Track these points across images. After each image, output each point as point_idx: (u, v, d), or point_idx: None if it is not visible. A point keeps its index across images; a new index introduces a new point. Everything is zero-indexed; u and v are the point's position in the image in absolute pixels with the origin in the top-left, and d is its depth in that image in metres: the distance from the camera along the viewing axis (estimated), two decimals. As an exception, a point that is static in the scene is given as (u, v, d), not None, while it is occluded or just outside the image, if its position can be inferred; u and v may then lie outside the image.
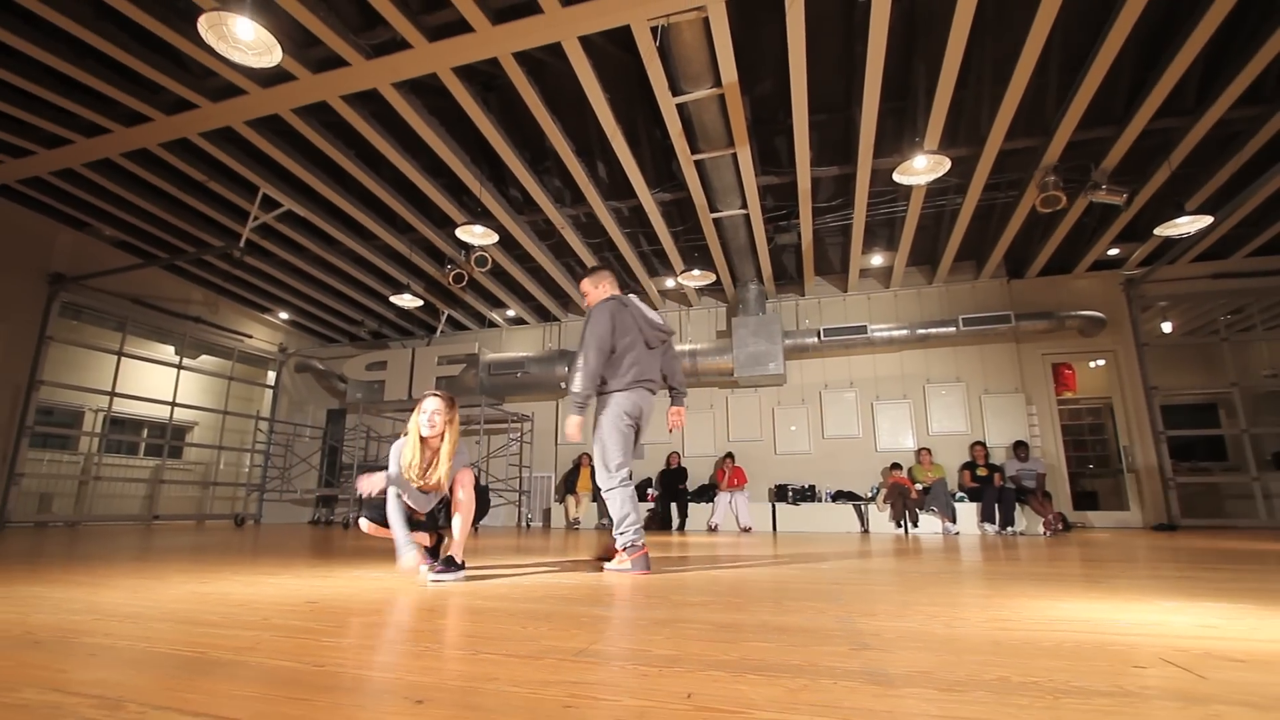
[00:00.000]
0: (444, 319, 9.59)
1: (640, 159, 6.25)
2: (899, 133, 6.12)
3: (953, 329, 8.13)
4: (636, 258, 8.13)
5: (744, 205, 6.83)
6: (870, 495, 7.96)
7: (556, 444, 9.58)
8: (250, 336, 9.33)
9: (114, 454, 8.19)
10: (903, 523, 7.54)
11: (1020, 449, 7.66)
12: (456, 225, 6.38)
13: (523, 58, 4.88)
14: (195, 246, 7.37)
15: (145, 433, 8.65)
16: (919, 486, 7.67)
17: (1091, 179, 6.09)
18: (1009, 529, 7.12)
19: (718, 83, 5.07)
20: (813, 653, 1.29)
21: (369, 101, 5.39)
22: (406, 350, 9.62)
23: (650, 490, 8.59)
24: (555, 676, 1.12)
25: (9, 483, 6.41)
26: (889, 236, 8.12)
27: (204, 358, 9.12)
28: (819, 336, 8.45)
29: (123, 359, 7.64)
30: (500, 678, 1.12)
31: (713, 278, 7.58)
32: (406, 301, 8.02)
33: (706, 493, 8.39)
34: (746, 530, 7.82)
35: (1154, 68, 4.99)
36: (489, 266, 7.29)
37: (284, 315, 9.72)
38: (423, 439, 2.72)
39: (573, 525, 8.46)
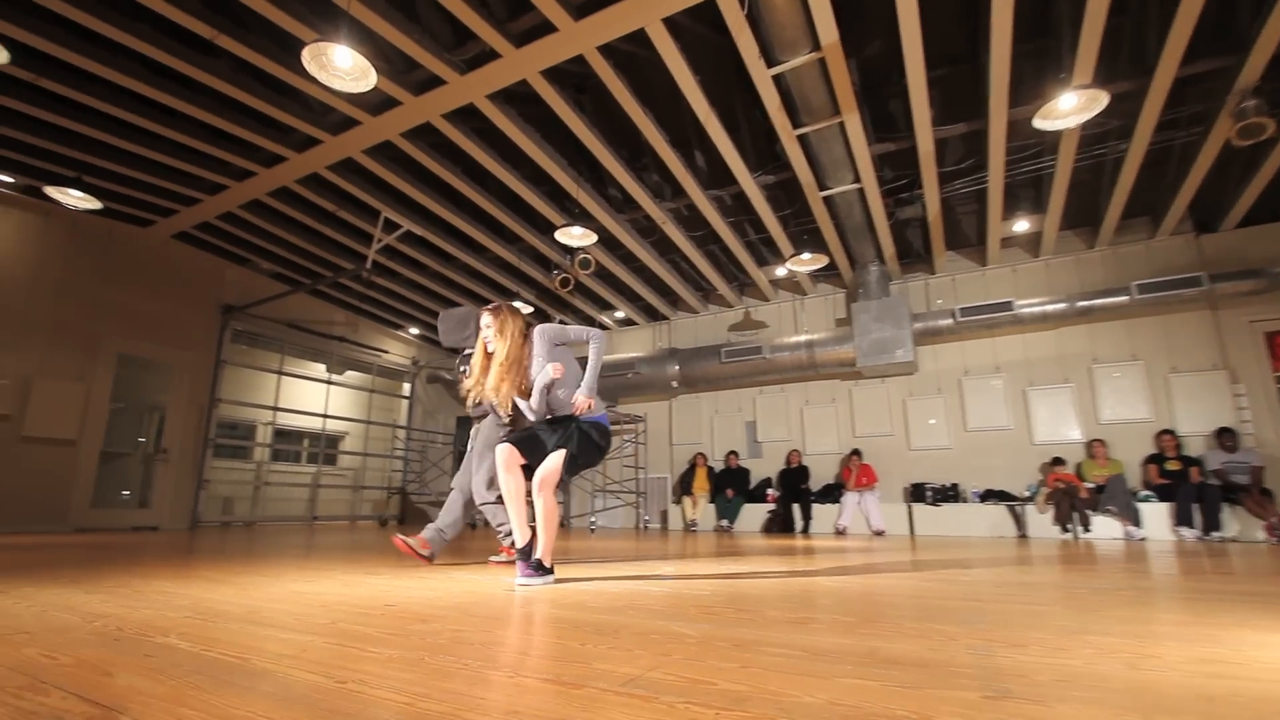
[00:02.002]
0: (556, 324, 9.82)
1: (739, 143, 5.93)
2: (1039, 76, 5.27)
3: (1124, 298, 6.90)
4: (743, 248, 7.77)
5: (857, 179, 6.25)
6: (1028, 495, 6.96)
7: (671, 444, 9.43)
8: (387, 352, 10.16)
9: (281, 462, 9.28)
10: (1070, 527, 6.51)
11: (1226, 437, 6.31)
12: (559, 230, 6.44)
13: (610, 52, 4.78)
14: (332, 271, 8.13)
15: (306, 443, 9.71)
16: (1089, 485, 6.58)
17: (1311, 96, 4.85)
18: (1214, 534, 5.87)
19: (816, 47, 4.65)
20: (928, 699, 0.98)
21: (469, 118, 5.56)
22: (523, 357, 9.93)
23: (770, 490, 8.17)
24: (584, 714, 0.92)
25: (198, 488, 7.45)
26: (1035, 198, 7.08)
27: (349, 373, 10.08)
28: (955, 317, 7.56)
29: (283, 377, 8.65)
30: (520, 712, 0.93)
31: (825, 260, 7.03)
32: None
33: (832, 493, 7.80)
34: (879, 533, 7.16)
35: (1400, -61, 3.85)
36: (593, 269, 7.30)
37: (414, 330, 10.49)
38: (489, 355, 2.70)
39: (690, 527, 8.25)
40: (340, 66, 3.76)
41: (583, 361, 2.77)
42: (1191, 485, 6.07)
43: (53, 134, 5.47)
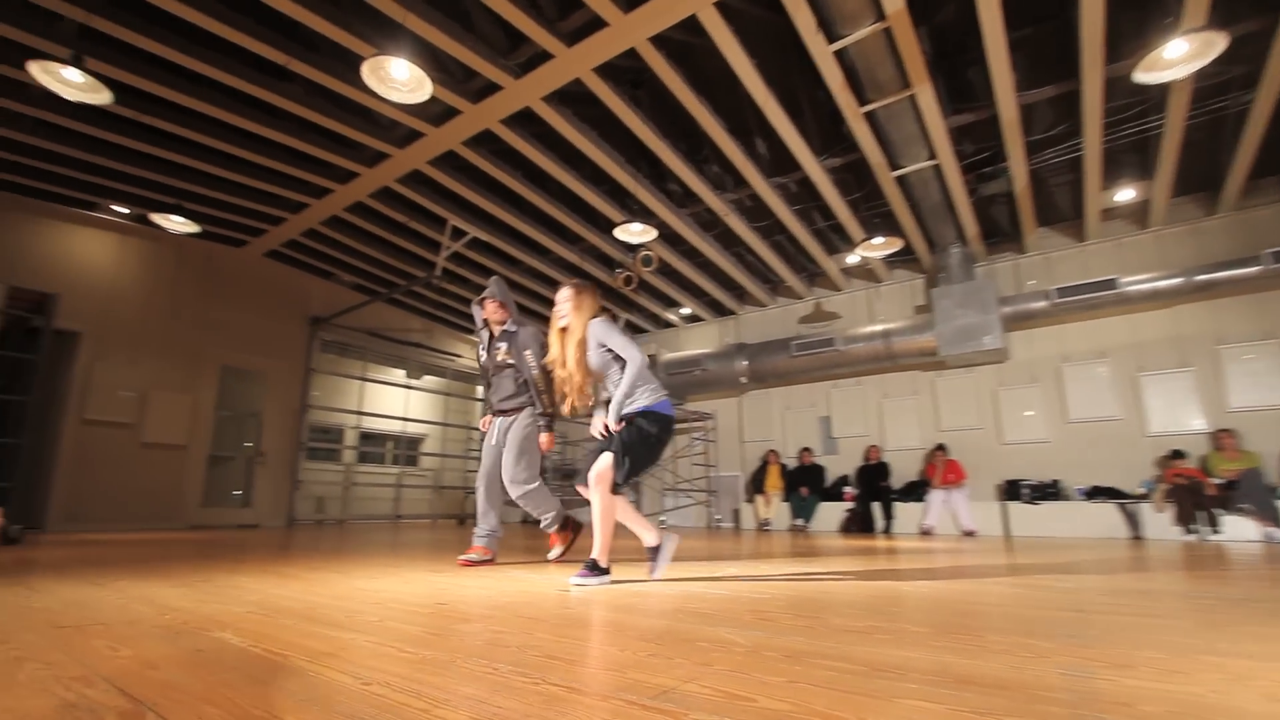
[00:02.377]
0: (622, 323, 9.84)
1: (802, 127, 5.69)
2: (1140, 25, 4.73)
3: (1255, 269, 6.09)
4: (811, 236, 7.47)
5: (932, 156, 5.86)
6: (1142, 492, 6.29)
7: (742, 441, 9.21)
8: (460, 356, 10.52)
9: (368, 463, 9.81)
10: (1194, 527, 5.81)
11: (1390, 424, 5.45)
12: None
13: (662, 42, 4.69)
14: (405, 280, 8.50)
15: (389, 445, 10.23)
16: (1217, 480, 5.85)
17: None
18: (1380, 537, 5.08)
19: (881, 16, 4.37)
20: (1004, 730, 0.83)
21: (527, 122, 5.63)
22: (592, 357, 10.03)
23: (846, 489, 7.80)
24: (601, 731, 0.84)
25: (294, 489, 7.99)
26: (1140, 163, 6.39)
27: (426, 378, 10.51)
28: (1049, 299, 6.94)
29: (366, 383, 9.16)
30: (535, 724, 0.87)
31: (899, 244, 6.62)
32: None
33: (915, 490, 7.36)
34: (969, 534, 6.68)
35: None
36: (655, 265, 7.23)
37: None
38: (562, 331, 2.72)
39: (763, 526, 8.01)
40: (397, 79, 3.88)
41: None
42: (1347, 480, 5.28)
43: (154, 165, 5.98)
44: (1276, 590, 2.30)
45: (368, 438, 9.85)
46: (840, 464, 8.26)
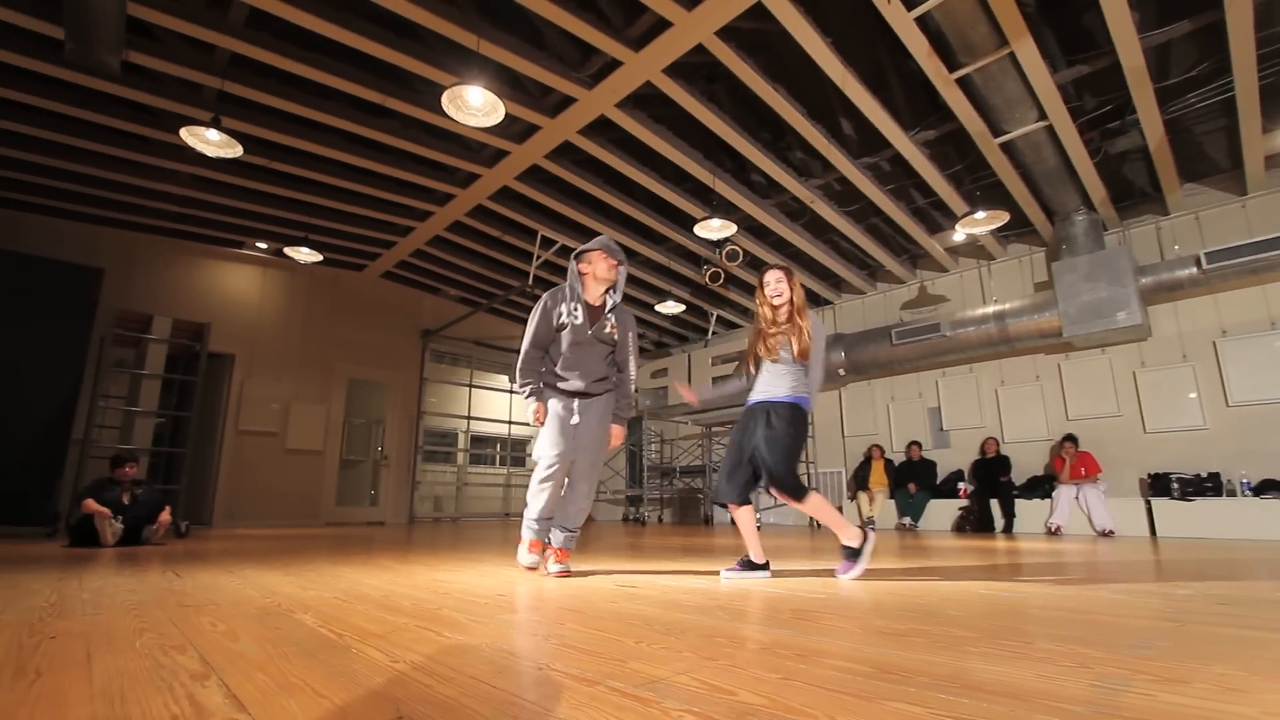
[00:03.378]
0: (714, 320, 9.77)
1: (890, 101, 5.40)
2: (1299, -66, 4.02)
3: None
4: (909, 216, 7.02)
5: (1042, 116, 5.31)
6: (1333, 485, 5.31)
7: (843, 436, 8.82)
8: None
9: (478, 465, 10.51)
10: None
11: None
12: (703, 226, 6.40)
13: (731, 34, 4.64)
14: (503, 290, 9.01)
15: (498, 447, 10.87)
16: None
17: None
18: None
19: (964, -28, 4.05)
20: (976, 739, 0.78)
21: (605, 130, 5.77)
22: (684, 355, 10.07)
23: (962, 485, 7.24)
24: (570, 711, 0.88)
25: (413, 489, 8.75)
26: (1315, 96, 5.40)
27: (529, 382, 11.06)
28: (1199, 265, 6.03)
29: (473, 389, 9.80)
30: (515, 703, 0.93)
31: (1005, 216, 6.03)
32: (670, 308, 8.40)
33: (1040, 486, 6.68)
34: (1106, 534, 5.97)
35: None
36: (741, 260, 7.13)
37: (582, 339, 11.18)
38: (774, 307, 2.72)
39: (867, 525, 7.62)
40: (474, 104, 4.14)
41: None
42: None
43: (285, 205, 6.80)
44: None
45: (477, 441, 10.54)
46: (953, 458, 7.69)
